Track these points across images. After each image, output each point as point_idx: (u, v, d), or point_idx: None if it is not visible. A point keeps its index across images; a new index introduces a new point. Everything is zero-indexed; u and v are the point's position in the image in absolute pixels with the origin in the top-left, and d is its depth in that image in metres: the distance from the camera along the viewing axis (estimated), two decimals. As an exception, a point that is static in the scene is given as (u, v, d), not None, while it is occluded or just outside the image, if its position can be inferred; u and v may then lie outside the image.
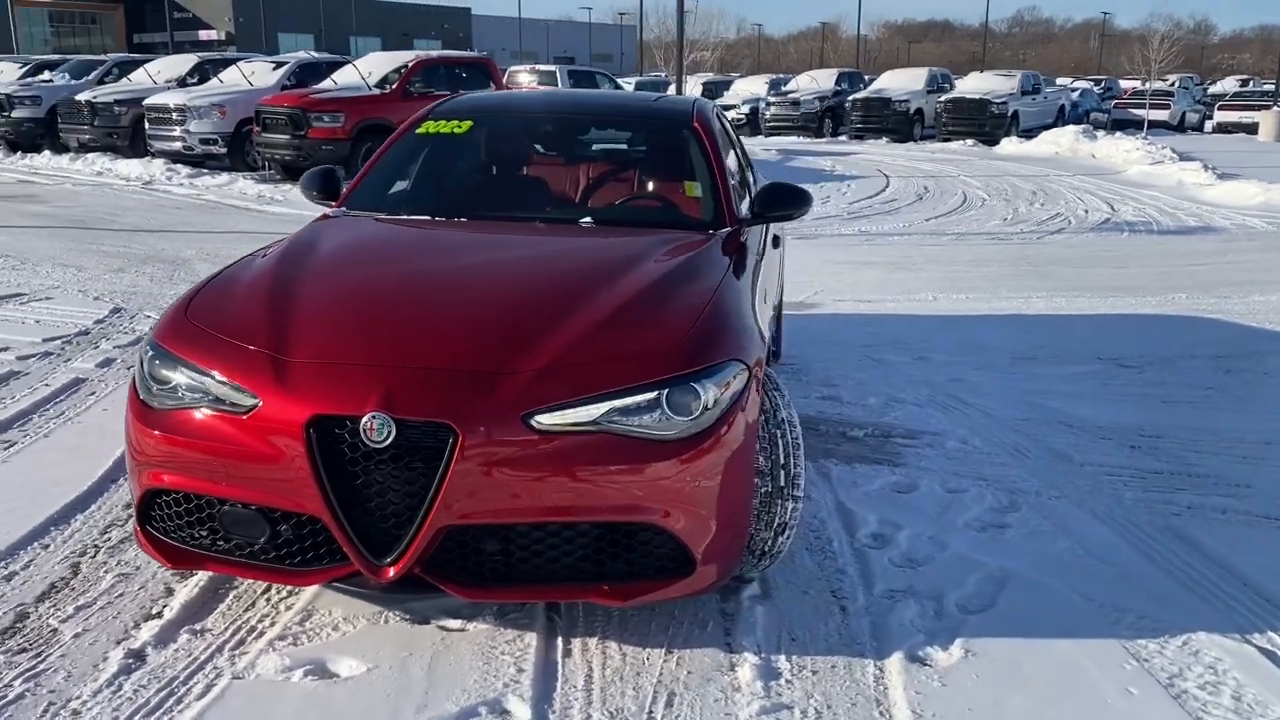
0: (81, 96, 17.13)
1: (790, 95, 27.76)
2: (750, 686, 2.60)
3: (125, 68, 19.53)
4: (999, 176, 16.70)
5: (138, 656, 2.67)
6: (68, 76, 19.35)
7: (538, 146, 4.58)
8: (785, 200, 3.79)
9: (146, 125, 16.09)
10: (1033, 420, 4.80)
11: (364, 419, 2.41)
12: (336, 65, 16.87)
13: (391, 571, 2.49)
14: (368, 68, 15.92)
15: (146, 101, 16.06)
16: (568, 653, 2.73)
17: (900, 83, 27.15)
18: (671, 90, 24.69)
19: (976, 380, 5.45)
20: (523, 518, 2.48)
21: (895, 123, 25.34)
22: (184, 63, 18.80)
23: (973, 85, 26.52)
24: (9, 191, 13.51)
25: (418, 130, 4.23)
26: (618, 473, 2.47)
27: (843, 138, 25.79)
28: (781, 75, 35.21)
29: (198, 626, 2.81)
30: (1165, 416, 4.93)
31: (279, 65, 17.27)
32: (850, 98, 26.59)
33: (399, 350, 2.61)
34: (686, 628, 2.86)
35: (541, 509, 2.47)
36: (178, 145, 15.61)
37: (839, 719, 2.50)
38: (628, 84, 27.06)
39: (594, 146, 4.62)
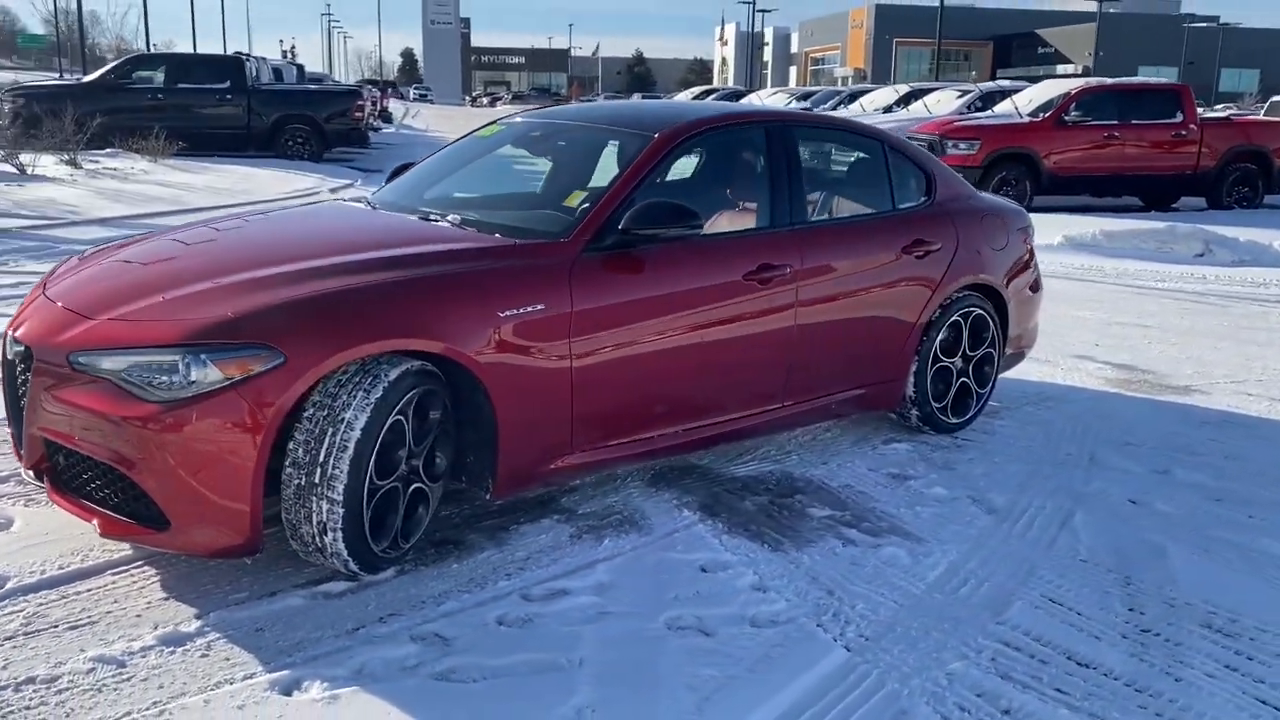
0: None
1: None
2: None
3: (853, 98, 21.27)
4: None
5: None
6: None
7: None
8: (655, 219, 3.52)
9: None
10: None
11: (8, 336, 3.17)
12: (1016, 91, 16.45)
13: (24, 465, 3.19)
14: (1039, 94, 15.30)
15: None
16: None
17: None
18: None
19: None
20: (63, 440, 3.00)
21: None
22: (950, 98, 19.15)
23: None
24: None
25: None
26: (109, 419, 2.85)
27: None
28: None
29: None
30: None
31: (964, 94, 17.41)
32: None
33: (86, 294, 3.27)
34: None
35: (67, 435, 2.97)
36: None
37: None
38: None
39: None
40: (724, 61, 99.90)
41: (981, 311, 4.72)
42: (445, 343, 3.11)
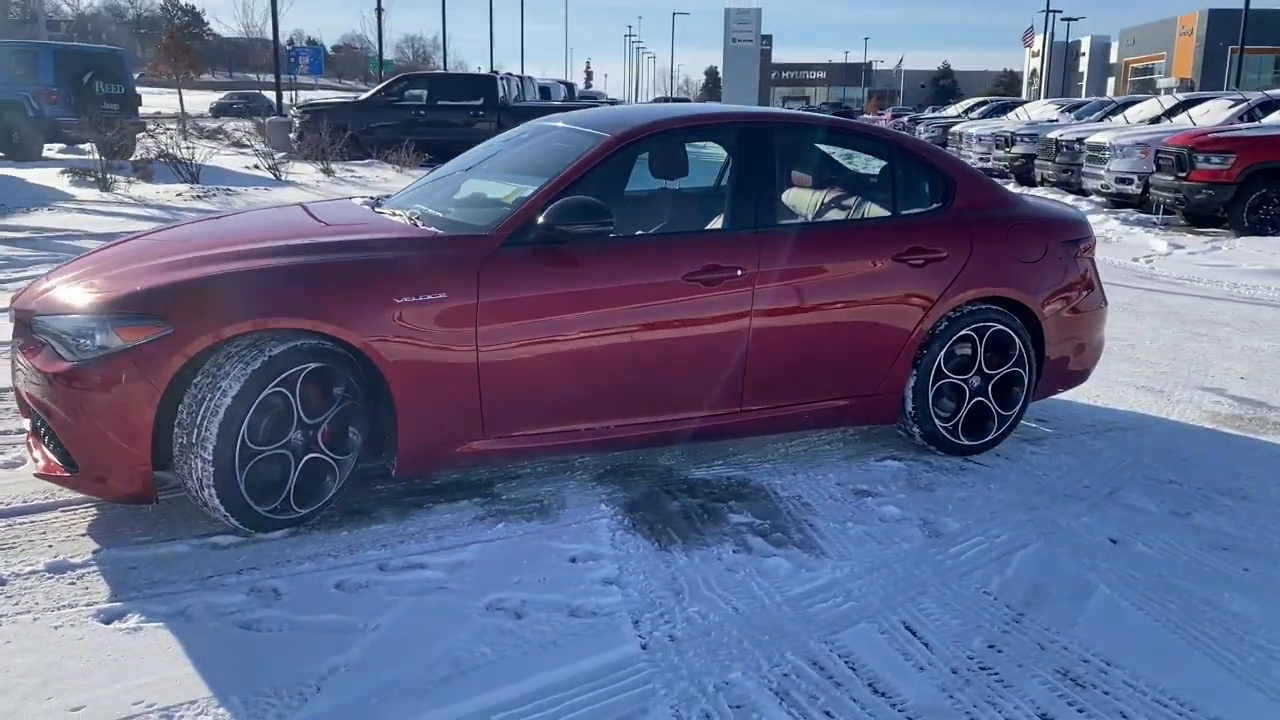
0: (1054, 134, 18.16)
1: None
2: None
3: (1120, 109, 19.71)
4: None
5: None
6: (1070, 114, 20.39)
7: None
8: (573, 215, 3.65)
9: (1083, 163, 16.46)
10: None
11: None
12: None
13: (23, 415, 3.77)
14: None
15: (1088, 140, 16.39)
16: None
17: None
18: None
19: None
20: (27, 394, 3.52)
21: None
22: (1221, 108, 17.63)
23: None
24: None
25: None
26: (44, 374, 3.34)
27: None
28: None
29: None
30: None
31: (1237, 104, 15.76)
32: None
33: (75, 268, 3.79)
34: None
35: (29, 390, 3.49)
36: (1098, 184, 15.72)
37: None
38: None
39: None
40: (1034, 73, 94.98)
41: (1003, 327, 4.40)
42: (333, 325, 3.36)
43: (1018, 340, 4.44)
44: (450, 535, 3.50)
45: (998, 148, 21.07)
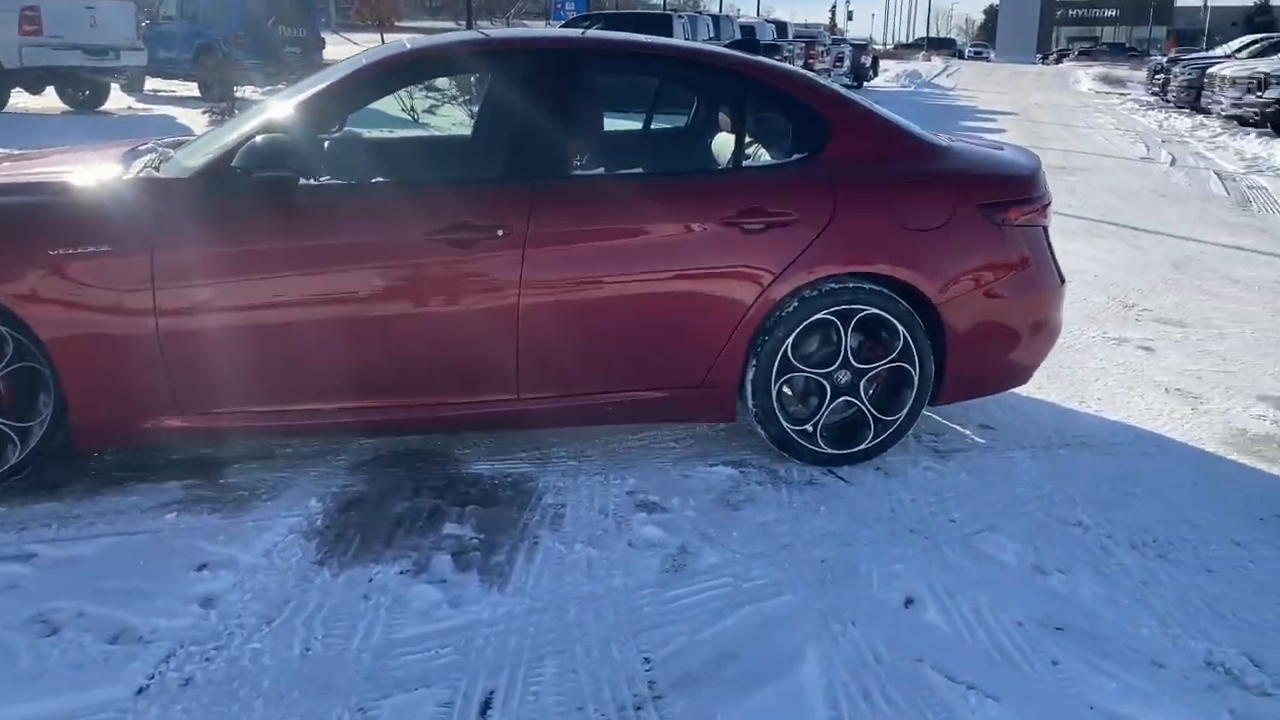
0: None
1: None
2: None
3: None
4: None
5: None
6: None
7: None
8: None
9: None
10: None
11: None
12: None
13: None
14: None
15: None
16: None
17: None
18: None
19: None
20: None
21: None
22: None
23: None
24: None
25: None
26: None
27: None
28: None
29: None
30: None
31: None
32: None
33: None
34: None
35: None
36: None
37: None
38: None
39: None
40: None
41: (879, 312, 3.50)
42: None
43: (901, 329, 3.52)
44: (102, 522, 3.12)
45: (1249, 92, 18.24)
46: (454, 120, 4.97)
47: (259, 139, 3.12)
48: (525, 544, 3.05)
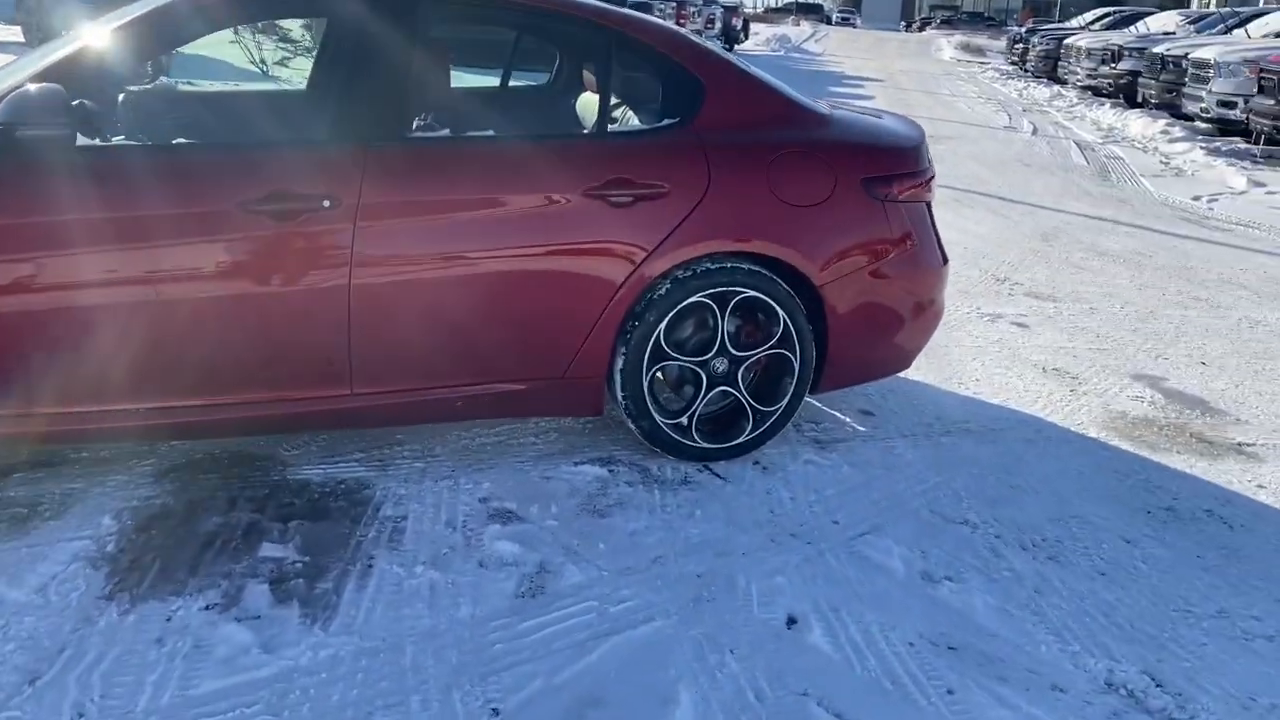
0: (1159, 49, 15.96)
1: None
2: None
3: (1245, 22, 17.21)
4: None
5: None
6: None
7: None
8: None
9: (1186, 82, 14.32)
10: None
11: None
12: None
13: None
14: None
15: (1192, 55, 14.23)
16: None
17: None
18: None
19: None
20: None
21: None
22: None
23: None
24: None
25: None
26: None
27: None
28: None
29: None
30: None
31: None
32: None
33: None
34: None
35: None
36: (1198, 107, 13.63)
37: None
38: None
39: None
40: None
41: (758, 294, 3.19)
42: None
43: (781, 312, 3.22)
44: None
45: (1103, 64, 18.73)
46: (304, 76, 4.46)
47: (31, 88, 2.59)
48: (357, 567, 2.65)
